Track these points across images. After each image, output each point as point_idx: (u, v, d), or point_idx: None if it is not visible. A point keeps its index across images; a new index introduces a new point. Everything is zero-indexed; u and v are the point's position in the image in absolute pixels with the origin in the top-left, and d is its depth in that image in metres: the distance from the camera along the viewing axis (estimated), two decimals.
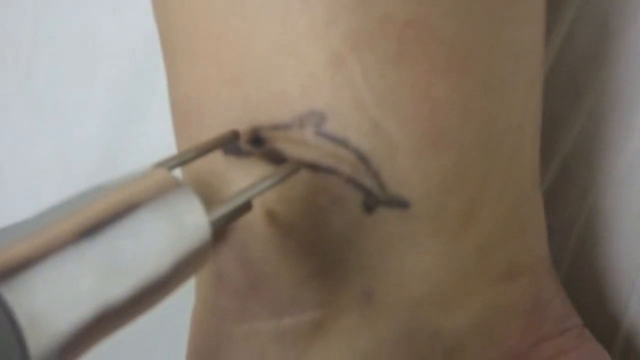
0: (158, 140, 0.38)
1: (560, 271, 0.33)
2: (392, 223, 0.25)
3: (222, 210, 0.22)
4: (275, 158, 0.24)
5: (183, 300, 0.28)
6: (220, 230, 0.23)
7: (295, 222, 0.25)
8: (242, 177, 0.25)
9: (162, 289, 0.20)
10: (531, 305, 0.27)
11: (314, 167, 0.24)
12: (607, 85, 0.33)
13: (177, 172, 0.23)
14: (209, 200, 0.21)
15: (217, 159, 0.25)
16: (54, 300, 0.17)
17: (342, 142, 0.24)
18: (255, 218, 0.25)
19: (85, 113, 0.42)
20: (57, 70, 0.43)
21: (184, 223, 0.20)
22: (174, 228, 0.20)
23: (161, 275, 0.19)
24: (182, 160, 0.23)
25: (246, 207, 0.23)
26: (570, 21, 0.34)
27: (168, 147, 0.27)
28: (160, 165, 0.22)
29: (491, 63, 0.24)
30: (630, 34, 0.32)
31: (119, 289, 0.18)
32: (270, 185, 0.23)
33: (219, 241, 0.26)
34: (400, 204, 0.24)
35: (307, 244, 0.25)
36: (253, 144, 0.25)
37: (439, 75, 0.23)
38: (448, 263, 0.25)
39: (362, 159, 0.24)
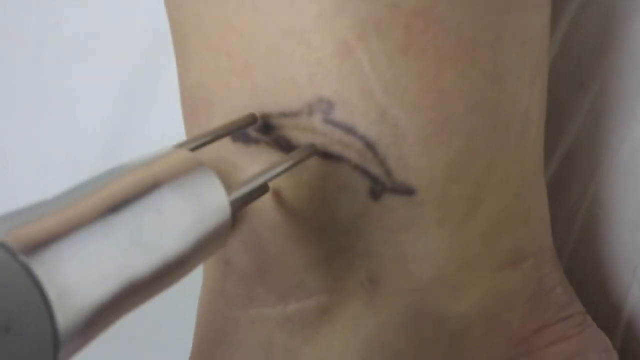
0: (162, 131, 0.39)
1: (563, 260, 0.34)
2: (398, 210, 0.25)
3: (241, 192, 0.22)
4: (283, 146, 0.25)
5: (191, 287, 0.28)
6: (238, 212, 0.23)
7: (303, 208, 0.25)
8: (250, 164, 0.25)
9: (184, 266, 0.20)
10: (534, 292, 0.27)
11: (322, 155, 0.24)
12: (611, 74, 0.33)
13: None
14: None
15: (225, 145, 0.25)
16: (81, 274, 0.17)
17: (349, 130, 0.24)
18: (263, 204, 0.25)
19: (90, 104, 0.42)
20: (63, 62, 0.43)
21: (206, 202, 0.20)
22: (195, 207, 0.20)
23: (184, 252, 0.20)
24: (203, 141, 0.23)
25: (263, 189, 0.23)
26: (575, 10, 0.34)
27: (172, 138, 0.27)
28: (182, 146, 0.22)
29: (498, 51, 0.24)
30: (635, 23, 0.32)
31: (143, 264, 0.18)
32: (287, 168, 0.23)
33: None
34: (407, 191, 0.25)
35: (314, 230, 0.25)
36: (262, 131, 0.25)
37: (447, 64, 0.24)
38: (453, 249, 0.26)
39: (370, 146, 0.24)
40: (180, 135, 0.27)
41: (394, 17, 0.23)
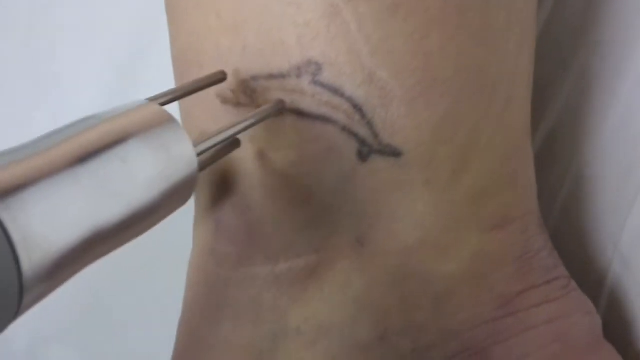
0: None
1: None
2: (385, 171, 0.25)
3: (207, 144, 0.22)
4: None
5: (181, 248, 0.29)
6: (208, 165, 0.24)
7: (292, 170, 0.25)
8: None
9: (150, 215, 0.20)
10: (520, 254, 0.28)
11: (310, 116, 0.25)
12: (592, 54, 0.34)
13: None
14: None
15: (215, 108, 0.26)
16: (47, 221, 0.17)
17: (337, 92, 0.24)
18: (252, 167, 0.26)
19: (81, 88, 0.43)
20: (54, 45, 0.43)
21: (172, 153, 0.21)
22: (162, 157, 0.21)
23: (149, 201, 0.20)
24: (174, 96, 0.23)
25: (234, 144, 0.24)
26: None
27: None
28: (153, 100, 0.23)
29: (485, 15, 0.25)
30: (616, 4, 0.33)
31: (109, 212, 0.19)
32: (253, 123, 0.24)
33: (219, 190, 0.27)
34: (394, 152, 0.25)
35: (302, 191, 0.26)
36: (248, 94, 0.25)
37: (434, 26, 0.24)
38: (440, 211, 0.26)
39: (357, 108, 0.24)
40: None
41: None
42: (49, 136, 0.19)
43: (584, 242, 0.34)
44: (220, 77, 0.25)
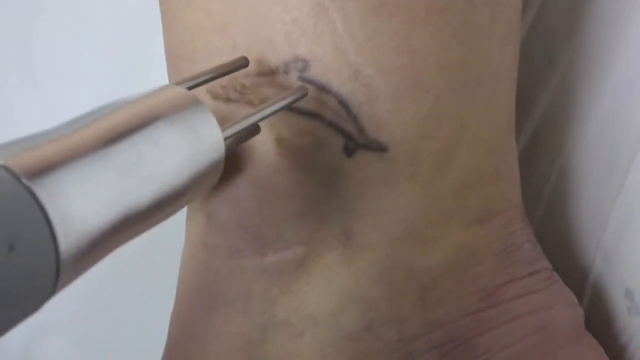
0: None
1: None
2: (371, 166, 0.26)
3: (234, 129, 0.23)
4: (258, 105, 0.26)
5: (176, 242, 0.29)
6: (230, 151, 0.24)
7: (281, 163, 0.26)
8: (229, 121, 0.26)
9: (179, 199, 0.20)
10: (503, 247, 0.28)
11: (299, 111, 0.25)
12: (577, 53, 0.34)
13: None
14: None
15: (205, 103, 0.26)
16: (82, 200, 0.17)
17: (323, 88, 0.25)
18: (243, 160, 0.26)
19: (80, 86, 0.43)
20: (53, 43, 0.44)
21: (201, 137, 0.21)
22: (191, 141, 0.21)
23: (179, 185, 0.20)
24: (197, 82, 0.24)
25: (254, 130, 0.24)
26: None
27: None
28: (177, 84, 0.23)
29: (468, 13, 0.25)
30: (600, 4, 0.33)
31: (141, 194, 0.19)
32: (278, 108, 0.24)
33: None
34: (379, 147, 0.26)
35: (291, 184, 0.26)
36: (238, 90, 0.26)
37: (418, 25, 0.25)
38: (424, 204, 0.27)
39: (343, 104, 0.25)
40: None
41: None
42: (77, 120, 0.19)
43: (568, 238, 0.35)
44: (243, 63, 0.25)
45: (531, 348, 0.28)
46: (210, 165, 0.21)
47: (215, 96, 0.26)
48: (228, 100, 0.26)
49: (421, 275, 0.27)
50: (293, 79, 0.25)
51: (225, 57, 0.25)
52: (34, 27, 0.43)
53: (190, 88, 0.23)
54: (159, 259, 0.32)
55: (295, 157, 0.26)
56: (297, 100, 0.24)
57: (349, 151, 0.26)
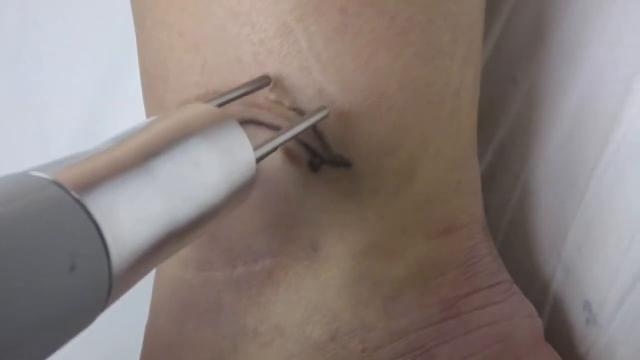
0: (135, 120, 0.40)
1: (495, 245, 0.35)
2: (335, 181, 0.27)
3: (265, 149, 0.23)
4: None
5: None
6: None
7: None
8: None
9: (214, 217, 0.21)
10: (465, 260, 0.29)
11: (269, 126, 0.26)
12: (541, 72, 0.35)
13: None
14: None
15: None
16: (131, 218, 0.17)
17: (290, 105, 0.26)
18: None
19: (67, 104, 0.44)
20: (40, 62, 0.44)
21: (236, 157, 0.21)
22: (227, 161, 0.21)
23: (216, 204, 0.21)
24: (221, 101, 0.24)
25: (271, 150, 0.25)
26: (508, 13, 0.36)
27: None
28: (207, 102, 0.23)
29: (429, 34, 0.26)
30: (562, 25, 0.34)
31: (182, 212, 0.19)
32: (304, 128, 0.24)
33: None
34: (343, 163, 0.27)
35: (260, 198, 0.27)
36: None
37: (380, 45, 0.26)
38: (388, 218, 0.28)
39: None
40: None
41: (330, 0, 0.25)
42: (109, 140, 0.19)
43: (531, 251, 0.36)
44: (266, 82, 0.26)
45: (491, 358, 0.28)
46: (244, 185, 0.22)
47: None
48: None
49: (385, 286, 0.28)
50: (261, 97, 0.26)
51: (197, 75, 0.26)
52: (23, 40, 0.44)
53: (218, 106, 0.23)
54: None
55: (263, 172, 0.27)
56: (320, 120, 0.25)
57: (314, 166, 0.27)
